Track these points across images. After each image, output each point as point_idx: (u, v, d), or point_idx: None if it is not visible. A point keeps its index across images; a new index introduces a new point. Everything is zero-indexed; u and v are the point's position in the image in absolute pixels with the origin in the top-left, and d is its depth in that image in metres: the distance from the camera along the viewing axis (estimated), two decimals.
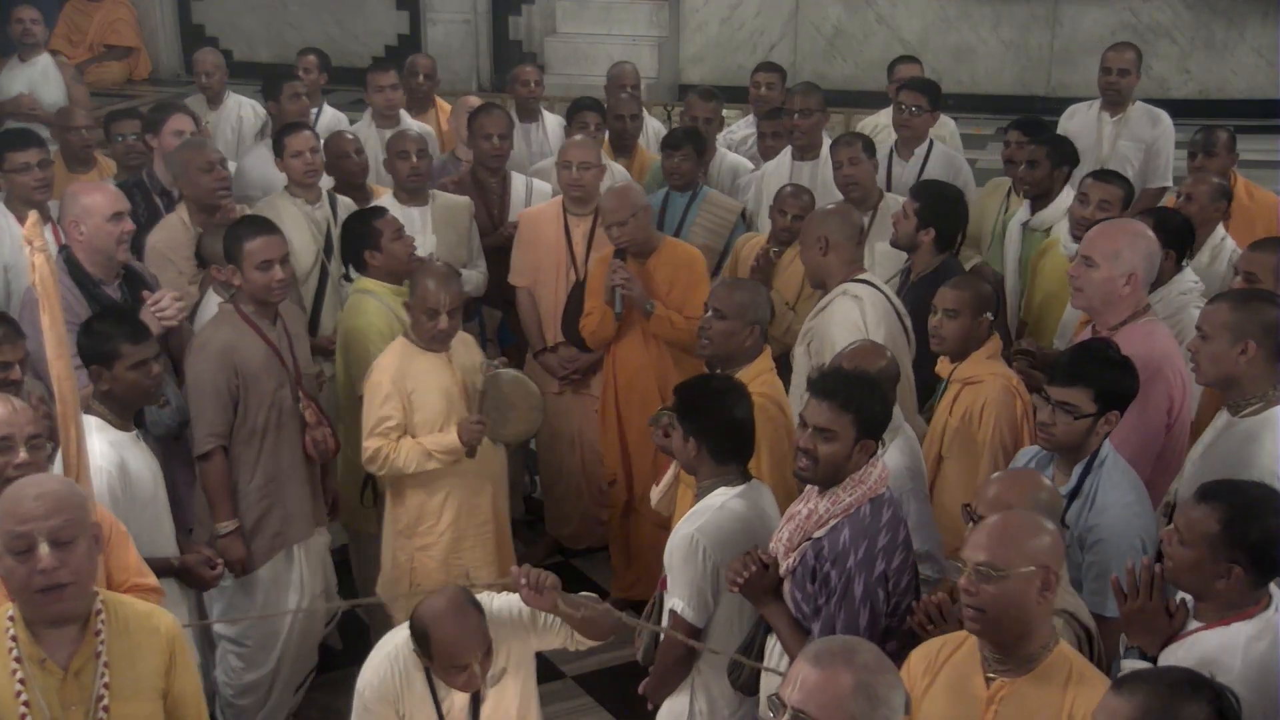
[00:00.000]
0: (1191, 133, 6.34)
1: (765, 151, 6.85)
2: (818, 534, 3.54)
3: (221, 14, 12.32)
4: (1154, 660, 3.10)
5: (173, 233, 5.43)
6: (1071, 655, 2.96)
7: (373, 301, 5.16)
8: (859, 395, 3.54)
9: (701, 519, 3.72)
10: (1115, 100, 6.97)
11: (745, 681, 3.77)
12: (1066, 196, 5.78)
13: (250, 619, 4.67)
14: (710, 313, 4.47)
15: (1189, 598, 3.16)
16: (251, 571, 4.70)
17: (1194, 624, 3.11)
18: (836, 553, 3.47)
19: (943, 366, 4.63)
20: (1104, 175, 5.46)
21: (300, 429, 4.72)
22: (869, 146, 6.02)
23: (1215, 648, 2.99)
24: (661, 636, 3.83)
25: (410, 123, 7.32)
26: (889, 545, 3.50)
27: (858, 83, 10.83)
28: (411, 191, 5.92)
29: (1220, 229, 5.59)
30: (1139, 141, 6.85)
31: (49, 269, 3.25)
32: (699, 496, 3.83)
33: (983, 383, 4.44)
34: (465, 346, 4.92)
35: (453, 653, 3.41)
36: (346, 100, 9.11)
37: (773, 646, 3.71)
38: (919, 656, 3.16)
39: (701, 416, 3.80)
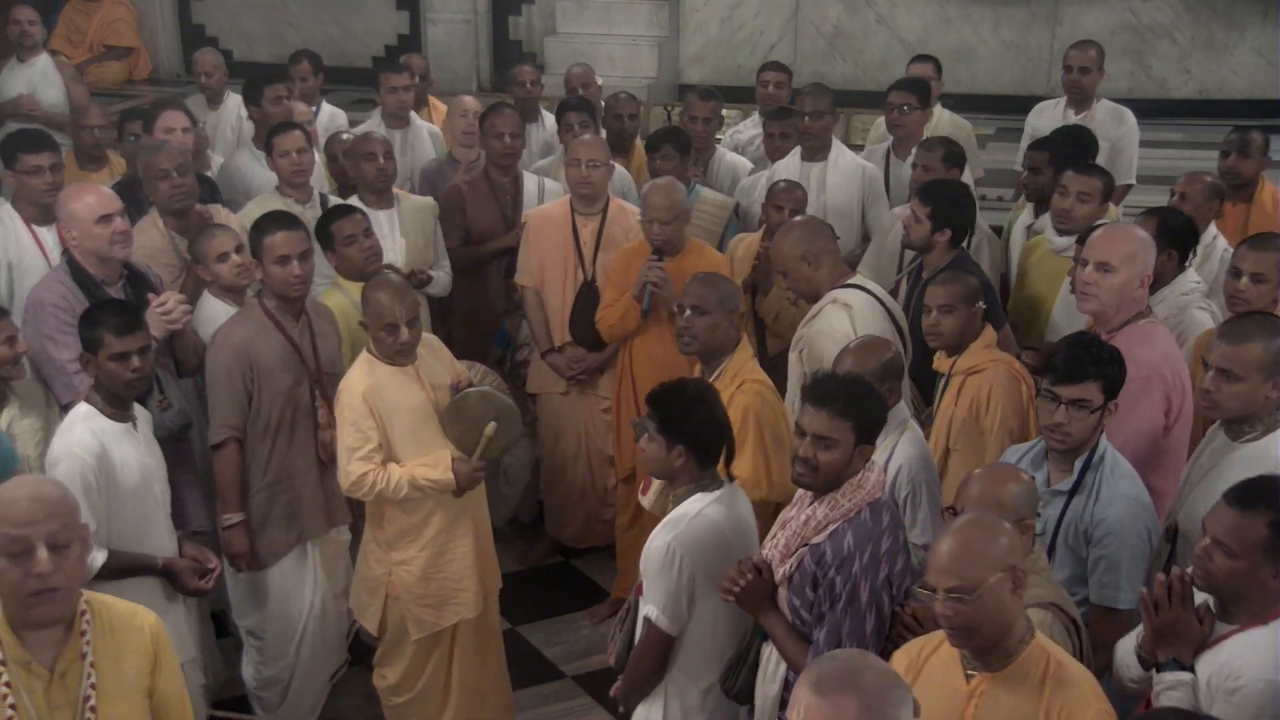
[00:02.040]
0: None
1: (772, 152, 6.77)
2: (815, 540, 3.49)
3: (221, 14, 12.29)
4: (1192, 669, 3.08)
5: (148, 237, 5.33)
6: (1048, 647, 2.98)
7: (334, 292, 5.27)
8: (857, 400, 3.50)
9: (679, 528, 3.65)
10: (1079, 99, 7.00)
11: (739, 690, 3.73)
12: None
13: None
14: (689, 311, 4.50)
15: (1211, 601, 3.13)
16: (260, 569, 4.74)
17: (1225, 627, 3.10)
18: (841, 558, 3.43)
19: (941, 362, 4.64)
20: (1084, 168, 5.48)
21: (316, 428, 4.74)
22: (951, 156, 5.93)
23: (1265, 644, 2.99)
24: (636, 644, 3.79)
25: (420, 124, 7.32)
26: (892, 549, 3.47)
27: (857, 83, 10.82)
28: (378, 194, 5.89)
29: (1212, 228, 5.58)
30: (1104, 140, 6.81)
31: None
32: (675, 503, 3.74)
33: (986, 370, 4.48)
34: (433, 355, 4.75)
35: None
36: (347, 100, 9.08)
37: (769, 654, 3.67)
38: (902, 656, 3.17)
39: (686, 423, 3.69)
